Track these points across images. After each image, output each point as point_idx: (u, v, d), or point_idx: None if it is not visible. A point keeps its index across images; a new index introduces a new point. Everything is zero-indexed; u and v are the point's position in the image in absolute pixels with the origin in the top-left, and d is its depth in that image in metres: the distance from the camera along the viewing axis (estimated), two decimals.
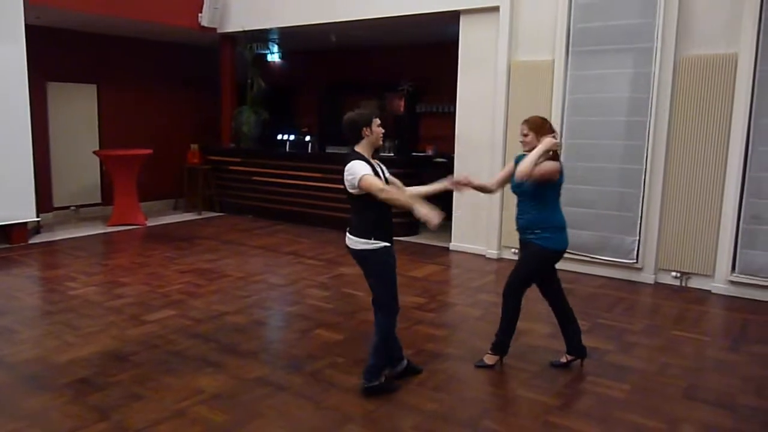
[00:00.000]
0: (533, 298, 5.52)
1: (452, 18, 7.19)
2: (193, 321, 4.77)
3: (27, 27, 7.07)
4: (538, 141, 3.69)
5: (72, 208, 9.35)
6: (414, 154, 9.52)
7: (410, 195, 3.53)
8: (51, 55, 8.64)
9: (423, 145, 9.91)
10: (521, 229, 3.89)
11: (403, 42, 9.83)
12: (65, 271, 6.30)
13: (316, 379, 3.77)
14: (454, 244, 7.40)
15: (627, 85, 6.04)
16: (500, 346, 3.97)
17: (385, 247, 3.50)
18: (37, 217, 7.60)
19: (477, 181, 3.96)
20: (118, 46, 9.62)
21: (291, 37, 9.49)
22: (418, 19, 7.47)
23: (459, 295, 5.70)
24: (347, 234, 3.56)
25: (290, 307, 5.30)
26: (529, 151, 3.70)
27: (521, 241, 3.95)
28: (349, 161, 3.40)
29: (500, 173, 4.12)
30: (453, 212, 7.37)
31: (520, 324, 4.77)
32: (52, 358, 4.04)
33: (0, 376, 3.75)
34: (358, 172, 3.32)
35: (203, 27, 8.84)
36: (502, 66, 6.75)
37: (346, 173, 3.39)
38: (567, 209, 6.30)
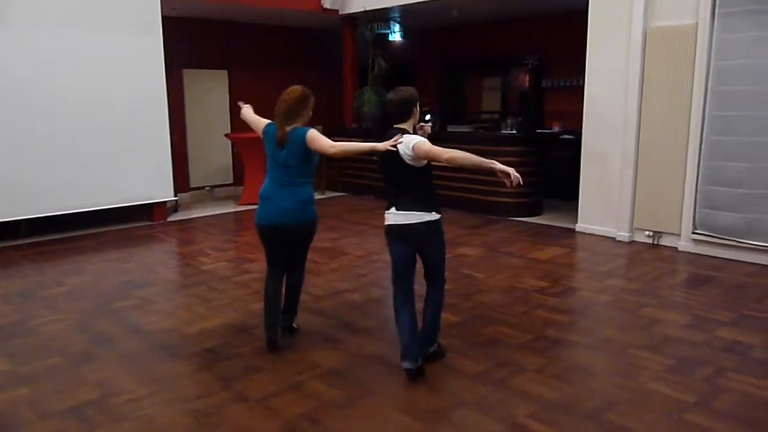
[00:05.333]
0: (670, 285, 5.12)
1: None
2: (312, 297, 4.86)
3: (164, 18, 7.53)
4: None
5: (206, 188, 9.95)
6: (539, 131, 9.11)
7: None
8: (186, 43, 9.18)
9: (549, 121, 9.46)
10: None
11: (525, 14, 9.40)
12: (199, 247, 6.70)
13: (430, 360, 3.69)
14: (581, 226, 7.00)
15: None
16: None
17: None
18: (175, 196, 8.15)
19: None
20: (247, 33, 10.03)
21: (412, 15, 9.39)
22: None
23: (585, 279, 5.38)
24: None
25: None
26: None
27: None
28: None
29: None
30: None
31: (654, 312, 4.44)
32: (183, 329, 4.29)
33: (137, 343, 4.04)
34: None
35: (325, 9, 8.98)
36: (636, 34, 6.22)
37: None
38: (709, 188, 5.83)
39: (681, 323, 4.25)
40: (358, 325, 4.28)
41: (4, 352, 3.92)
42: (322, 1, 8.90)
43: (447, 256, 5.38)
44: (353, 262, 5.86)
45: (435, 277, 3.64)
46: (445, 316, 4.41)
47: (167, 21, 7.67)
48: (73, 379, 3.55)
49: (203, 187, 9.93)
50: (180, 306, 4.81)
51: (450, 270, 5.56)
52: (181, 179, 9.30)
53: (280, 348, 3.87)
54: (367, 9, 8.87)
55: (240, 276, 5.50)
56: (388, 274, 5.47)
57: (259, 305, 4.69)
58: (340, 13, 9.22)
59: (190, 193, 9.67)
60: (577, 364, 3.66)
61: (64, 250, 6.57)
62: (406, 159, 3.37)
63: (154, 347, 3.99)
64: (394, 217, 3.50)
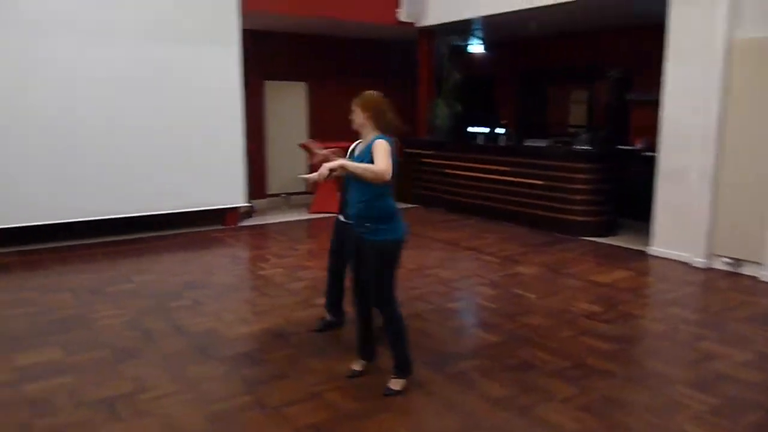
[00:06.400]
0: (739, 318, 4.70)
1: None
2: None
3: (247, 32, 7.84)
4: (365, 120, 3.50)
5: (283, 195, 10.24)
6: (619, 147, 8.68)
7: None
8: (268, 56, 9.53)
9: (633, 137, 8.99)
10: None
11: (607, 26, 9.02)
12: (261, 252, 6.90)
13: (455, 380, 3.60)
14: (654, 249, 6.58)
15: None
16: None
17: None
18: (248, 202, 8.44)
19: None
20: (325, 46, 10.28)
21: (489, 27, 9.27)
22: None
23: (645, 306, 5.05)
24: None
25: (453, 303, 5.16)
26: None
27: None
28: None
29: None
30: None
31: (713, 347, 4.10)
32: (224, 332, 4.42)
33: (177, 343, 4.20)
34: None
35: (401, 22, 9.03)
36: (718, 45, 5.81)
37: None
38: None
39: (740, 360, 3.89)
40: None
41: (60, 342, 4.20)
42: (397, 14, 8.96)
43: (502, 273, 5.26)
44: (405, 275, 5.77)
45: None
46: (483, 336, 4.33)
47: (251, 35, 8.00)
48: (113, 372, 3.75)
49: (279, 194, 10.22)
50: (227, 309, 4.96)
51: (501, 288, 5.44)
52: (258, 186, 9.64)
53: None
54: (444, 22, 8.84)
55: (292, 283, 5.60)
56: (438, 289, 5.46)
57: (302, 313, 4.79)
58: (416, 25, 9.25)
59: (267, 199, 9.99)
60: (610, 397, 3.43)
61: (140, 249, 6.97)
62: None
63: (192, 348, 4.13)
64: None
